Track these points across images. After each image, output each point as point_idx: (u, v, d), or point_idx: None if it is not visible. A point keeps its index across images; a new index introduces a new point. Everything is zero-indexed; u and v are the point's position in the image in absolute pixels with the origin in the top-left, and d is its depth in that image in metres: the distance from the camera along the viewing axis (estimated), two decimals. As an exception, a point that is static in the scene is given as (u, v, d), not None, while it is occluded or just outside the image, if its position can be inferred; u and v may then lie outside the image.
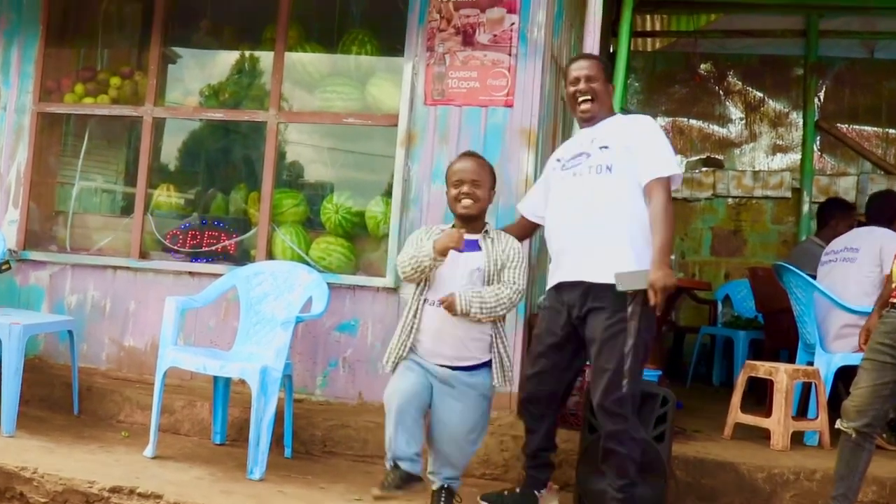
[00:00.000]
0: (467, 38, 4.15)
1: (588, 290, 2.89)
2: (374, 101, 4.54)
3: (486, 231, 3.06)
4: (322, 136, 5.06)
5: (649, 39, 7.68)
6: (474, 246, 3.00)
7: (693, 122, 7.48)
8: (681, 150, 7.43)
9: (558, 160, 3.13)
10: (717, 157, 7.35)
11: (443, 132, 4.18)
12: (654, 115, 7.41)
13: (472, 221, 3.04)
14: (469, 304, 2.88)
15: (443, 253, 2.87)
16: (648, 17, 7.45)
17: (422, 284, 2.98)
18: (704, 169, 7.33)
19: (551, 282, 3.07)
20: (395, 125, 4.25)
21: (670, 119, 7.53)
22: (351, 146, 5.07)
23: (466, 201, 3.00)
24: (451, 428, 2.87)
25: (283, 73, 4.53)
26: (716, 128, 7.55)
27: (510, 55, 4.09)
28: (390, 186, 4.29)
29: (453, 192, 3.04)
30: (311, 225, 4.65)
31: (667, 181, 2.89)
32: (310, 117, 4.64)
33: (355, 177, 5.07)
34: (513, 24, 4.09)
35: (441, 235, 2.94)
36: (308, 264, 4.34)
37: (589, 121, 3.05)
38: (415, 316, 2.97)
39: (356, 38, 4.64)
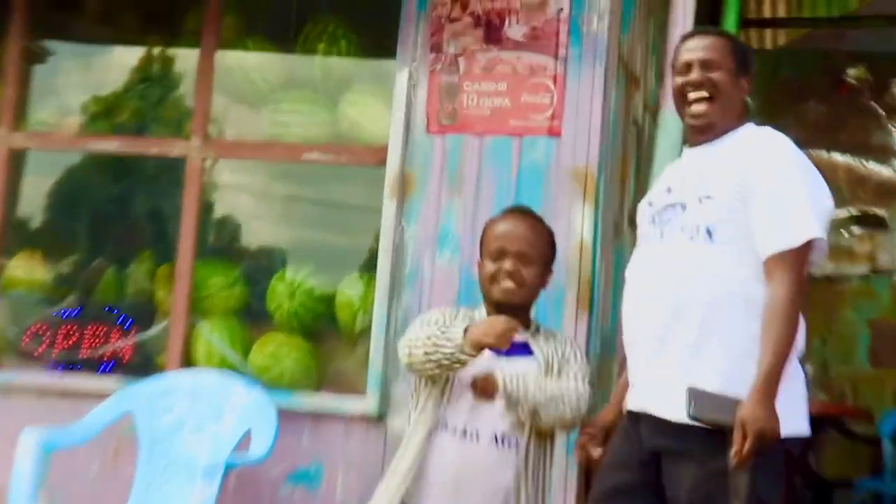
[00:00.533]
0: (492, 33, 4.21)
1: (662, 426, 2.82)
2: (352, 127, 4.58)
3: (538, 329, 3.17)
4: (272, 179, 5.10)
5: (769, 31, 7.76)
6: (522, 349, 3.08)
7: (837, 157, 7.53)
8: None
9: (650, 204, 3.12)
10: (876, 212, 7.38)
11: (454, 175, 4.20)
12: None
13: (514, 314, 3.09)
14: (519, 386, 2.97)
15: (478, 347, 2.92)
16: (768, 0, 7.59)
17: (432, 399, 3.03)
18: (858, 231, 7.33)
19: (628, 398, 3.02)
20: (383, 164, 4.27)
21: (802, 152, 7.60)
22: (315, 195, 5.09)
23: (508, 283, 3.11)
24: None
25: (212, 82, 4.58)
26: (875, 166, 7.58)
27: (556, 58, 4.14)
28: (375, 256, 4.29)
29: (490, 267, 3.15)
30: (253, 316, 4.65)
31: (798, 255, 2.77)
32: (253, 151, 4.68)
33: (321, 242, 5.07)
34: (561, 10, 4.16)
35: (479, 322, 3.03)
36: (246, 377, 4.32)
37: (703, 132, 3.01)
38: (418, 454, 2.97)
39: (325, 32, 4.70)
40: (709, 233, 2.83)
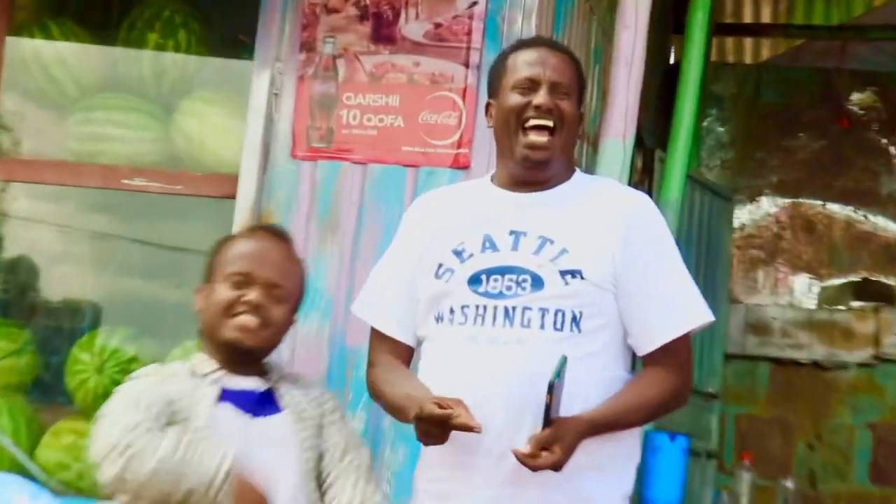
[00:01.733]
0: (383, 29, 4.27)
1: None
2: (191, 146, 4.62)
3: (281, 376, 3.25)
4: (81, 211, 5.11)
5: (749, 41, 7.98)
6: (267, 403, 3.16)
7: (834, 208, 7.73)
8: (809, 263, 7.61)
9: (458, 253, 3.13)
10: (882, 280, 7.57)
11: (327, 213, 4.25)
12: (756, 193, 7.62)
13: (247, 362, 3.18)
14: None
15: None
16: (748, -1, 7.83)
17: None
18: (858, 305, 7.52)
19: None
20: (233, 196, 4.32)
21: (788, 201, 7.74)
22: (140, 233, 5.10)
23: (249, 319, 3.12)
24: None
25: None
26: (882, 221, 7.76)
27: (467, 65, 4.21)
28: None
29: (225, 294, 3.16)
30: (46, 395, 4.64)
31: (688, 342, 3.13)
32: (55, 173, 4.67)
33: (147, 295, 5.10)
34: (474, 2, 4.23)
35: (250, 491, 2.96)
36: (33, 479, 4.28)
37: (538, 169, 3.11)
38: None
39: (158, 18, 4.74)
40: (576, 321, 3.00)
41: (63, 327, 4.95)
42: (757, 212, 7.82)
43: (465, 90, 4.20)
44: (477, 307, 3.02)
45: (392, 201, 4.22)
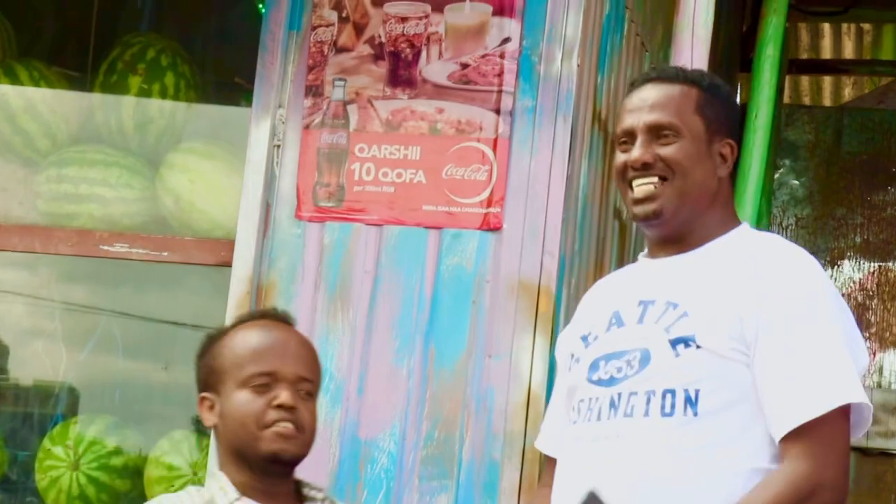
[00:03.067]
0: (401, 70, 4.31)
1: None
2: (180, 209, 4.66)
3: (307, 486, 3.18)
4: (55, 281, 5.17)
5: (828, 80, 8.03)
6: None
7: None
8: (889, 341, 7.62)
9: (586, 339, 3.15)
10: None
11: (336, 283, 4.28)
12: (838, 256, 7.61)
13: (288, 472, 3.13)
14: None
15: None
16: (828, 26, 7.85)
17: None
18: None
19: None
20: (229, 264, 4.34)
21: (876, 265, 7.75)
22: (123, 307, 5.17)
23: (287, 427, 3.03)
24: None
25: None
26: None
27: (498, 112, 4.24)
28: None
29: (253, 402, 3.05)
30: (12, 495, 4.68)
31: (830, 427, 2.89)
32: (21, 238, 4.68)
33: (130, 378, 5.14)
34: (507, 39, 4.27)
35: None
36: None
37: (654, 225, 3.11)
38: None
39: (142, 59, 4.79)
40: (691, 402, 2.90)
41: (33, 415, 4.97)
42: (839, 277, 7.79)
43: (496, 141, 4.23)
44: (590, 400, 3.00)
45: (412, 268, 4.25)
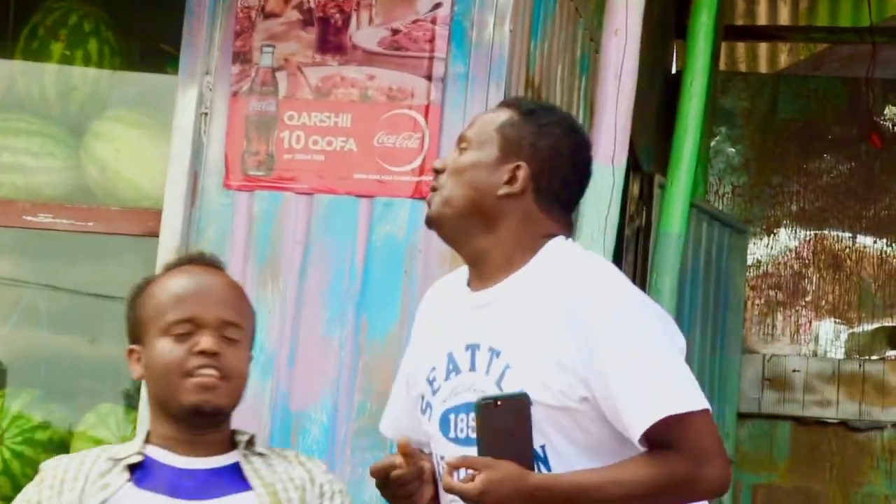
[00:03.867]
0: (331, 36, 4.31)
1: None
2: (105, 179, 4.66)
3: (251, 442, 3.11)
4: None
5: (764, 46, 8.06)
6: (230, 479, 3.02)
7: (865, 241, 7.84)
8: (836, 306, 7.69)
9: (430, 381, 3.12)
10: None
11: (266, 253, 4.30)
12: (774, 224, 7.66)
13: (214, 425, 3.05)
14: None
15: None
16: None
17: None
18: (893, 355, 7.60)
19: None
20: (156, 234, 4.35)
21: (811, 233, 7.81)
22: (48, 279, 5.16)
23: (209, 373, 2.96)
24: None
25: None
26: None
27: (430, 78, 4.26)
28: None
29: (174, 350, 2.97)
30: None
31: (688, 424, 2.88)
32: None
33: (55, 351, 5.14)
34: (438, 4, 4.27)
35: None
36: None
37: (436, 231, 3.11)
38: None
39: (64, 25, 4.77)
40: (541, 458, 2.89)
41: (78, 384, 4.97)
42: (775, 246, 7.85)
43: (427, 107, 4.25)
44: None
45: (343, 237, 4.28)
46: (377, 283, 4.22)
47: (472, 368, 2.97)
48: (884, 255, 7.79)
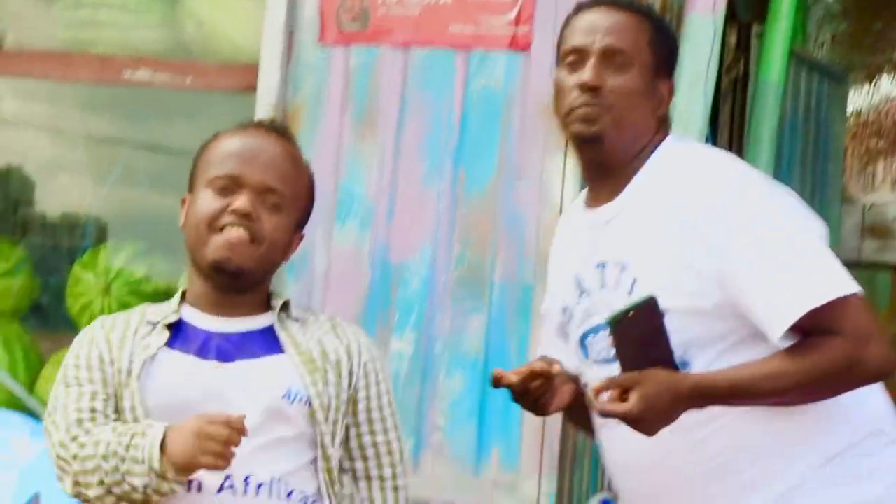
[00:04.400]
0: None
1: None
2: (202, 35, 4.69)
3: (286, 306, 3.12)
4: (79, 109, 5.23)
5: None
6: (262, 342, 3.04)
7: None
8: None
9: (566, 312, 3.16)
10: None
11: (363, 107, 4.33)
12: (875, 70, 7.60)
13: (242, 286, 3.06)
14: None
15: (189, 471, 2.83)
16: None
17: None
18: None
19: None
20: (253, 90, 4.39)
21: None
22: (147, 136, 5.25)
23: (238, 233, 2.96)
24: None
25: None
26: None
27: (526, -70, 4.24)
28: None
29: (211, 204, 2.98)
30: (45, 321, 4.83)
31: (842, 307, 2.82)
32: (42, 65, 4.74)
33: (156, 208, 5.22)
34: None
35: (184, 427, 2.83)
36: (33, 416, 4.41)
37: (593, 150, 3.05)
38: None
39: None
40: (686, 366, 2.89)
41: (62, 245, 5.08)
42: (876, 94, 7.79)
43: (522, -38, 4.24)
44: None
45: (440, 90, 4.30)
46: (474, 136, 4.25)
47: (603, 287, 2.98)
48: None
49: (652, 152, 3.01)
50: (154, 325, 2.98)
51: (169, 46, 4.70)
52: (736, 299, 2.84)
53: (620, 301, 2.86)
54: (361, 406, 3.01)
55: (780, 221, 2.88)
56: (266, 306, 3.04)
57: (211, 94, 4.65)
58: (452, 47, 4.28)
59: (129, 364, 2.90)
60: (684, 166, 2.98)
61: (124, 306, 4.60)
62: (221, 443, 2.73)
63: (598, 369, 2.97)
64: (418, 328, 4.12)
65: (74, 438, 2.85)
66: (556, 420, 4.08)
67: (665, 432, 2.81)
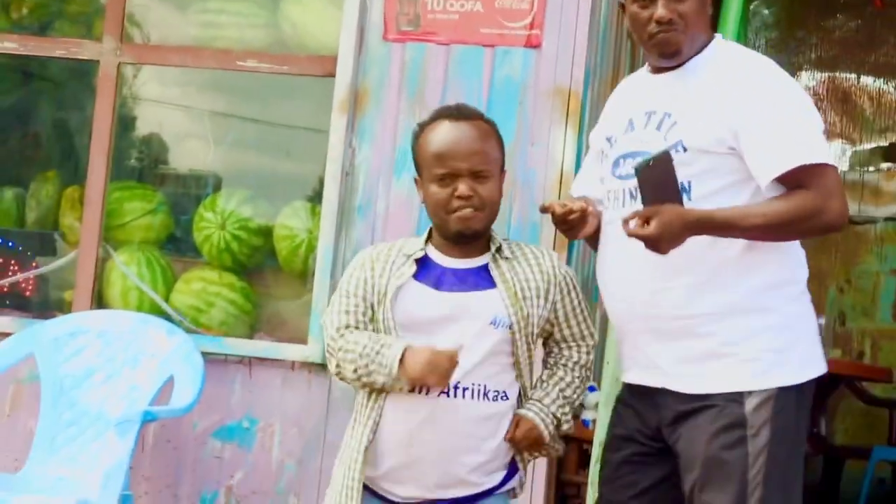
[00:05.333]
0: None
1: (680, 397, 2.93)
2: (295, 33, 4.62)
3: (500, 249, 3.06)
4: (201, 90, 5.15)
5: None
6: (480, 278, 3.01)
7: (867, 80, 7.56)
8: (843, 130, 7.50)
9: (609, 141, 3.13)
10: (909, 142, 7.46)
11: (415, 90, 4.26)
12: (797, 68, 7.50)
13: (476, 239, 3.05)
14: (559, 422, 3.02)
15: (416, 384, 2.89)
16: None
17: None
18: (886, 166, 7.40)
19: (625, 376, 3.13)
20: (332, 75, 4.32)
21: (825, 74, 7.64)
22: (252, 111, 5.14)
23: (467, 212, 2.97)
24: None
25: (131, -25, 4.61)
26: (910, 92, 7.69)
27: (537, -42, 4.20)
28: (321, 183, 4.34)
29: (440, 192, 2.98)
30: (178, 248, 4.74)
31: (821, 171, 2.84)
32: (178, 56, 4.67)
33: (259, 164, 5.15)
34: None
35: (419, 351, 2.89)
36: (168, 319, 4.38)
37: (670, 58, 3.03)
38: (370, 416, 2.97)
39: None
40: (685, 191, 2.89)
41: (190, 192, 5.03)
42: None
43: (535, -22, 4.21)
44: (615, 191, 3.01)
45: (472, 78, 4.25)
46: (498, 112, 4.07)
47: (646, 126, 2.97)
48: (881, 92, 7.66)
49: (704, 43, 2.99)
50: (407, 257, 3.00)
51: (270, 42, 4.65)
52: (743, 148, 2.85)
53: (658, 138, 2.91)
54: (560, 312, 3.03)
55: (791, 102, 2.90)
56: (486, 247, 3.02)
57: (301, 79, 4.58)
58: (482, 45, 4.24)
59: (384, 288, 2.96)
60: (730, 55, 3.00)
61: (236, 238, 4.63)
62: (444, 371, 2.83)
63: (619, 183, 3.00)
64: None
65: (342, 335, 2.95)
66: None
67: (654, 265, 2.86)
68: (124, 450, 3.65)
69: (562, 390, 3.03)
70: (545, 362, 3.09)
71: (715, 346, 2.88)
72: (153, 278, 4.60)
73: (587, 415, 4.20)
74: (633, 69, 4.70)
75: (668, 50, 2.98)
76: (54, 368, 4.11)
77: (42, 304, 4.69)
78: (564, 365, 3.07)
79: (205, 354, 4.08)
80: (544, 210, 3.04)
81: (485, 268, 2.99)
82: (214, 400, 4.20)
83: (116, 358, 4.10)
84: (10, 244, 4.83)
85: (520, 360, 2.98)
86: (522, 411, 2.98)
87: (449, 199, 2.94)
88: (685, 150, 2.87)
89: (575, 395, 3.07)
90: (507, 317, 2.94)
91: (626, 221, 2.82)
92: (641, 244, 2.83)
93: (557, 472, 4.17)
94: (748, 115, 2.87)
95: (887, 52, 7.60)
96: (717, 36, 3.06)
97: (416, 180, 3.04)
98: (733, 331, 2.88)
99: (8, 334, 4.24)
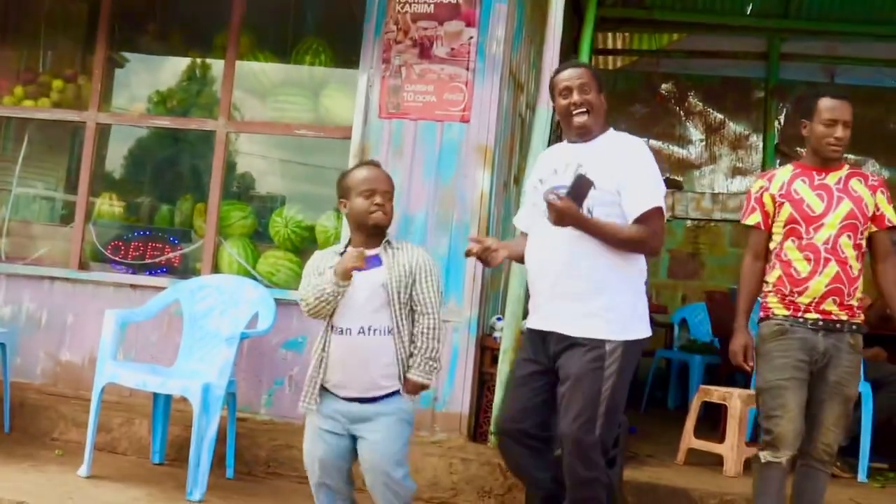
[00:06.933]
0: (424, 51, 4.21)
1: (564, 338, 2.89)
2: (328, 113, 4.60)
3: (388, 242, 2.94)
4: (273, 147, 5.12)
5: (610, 58, 7.86)
6: (376, 261, 2.89)
7: (653, 142, 7.64)
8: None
9: (541, 181, 3.00)
10: (676, 178, 7.50)
11: (397, 146, 4.24)
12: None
13: (380, 236, 2.95)
14: (428, 373, 2.88)
15: (346, 276, 2.79)
16: (610, 35, 7.65)
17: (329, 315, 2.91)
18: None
19: (529, 321, 3.01)
20: (349, 138, 4.30)
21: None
22: (302, 158, 5.12)
23: (380, 214, 2.90)
24: (376, 465, 2.84)
25: (233, 81, 4.57)
26: (676, 148, 7.77)
27: (468, 69, 4.15)
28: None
29: (365, 202, 2.90)
30: (260, 238, 4.68)
31: (655, 215, 2.81)
32: (260, 127, 4.68)
33: (306, 190, 5.13)
34: (471, 38, 4.15)
35: (341, 258, 2.84)
36: (255, 279, 4.36)
37: (584, 136, 2.93)
38: (324, 348, 2.89)
39: (310, 48, 4.69)
40: (589, 212, 2.84)
41: (266, 206, 4.99)
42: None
43: (467, 82, 4.17)
44: (543, 209, 2.86)
45: (430, 141, 4.20)
46: (446, 160, 4.17)
47: (565, 171, 2.89)
48: (661, 148, 7.75)
49: (604, 130, 2.93)
50: (336, 253, 2.95)
51: (313, 118, 4.60)
52: (622, 195, 2.82)
53: (570, 175, 2.81)
54: (418, 286, 2.90)
55: (650, 171, 2.86)
56: (380, 242, 2.95)
57: (330, 140, 4.50)
58: (436, 120, 4.19)
59: (324, 269, 2.89)
60: (619, 138, 2.93)
61: (294, 233, 4.61)
62: (358, 255, 2.79)
63: (543, 204, 2.84)
64: (420, 242, 4.04)
65: (306, 292, 2.86)
66: (479, 281, 4.04)
67: (566, 255, 2.81)
68: (230, 354, 3.66)
69: (423, 354, 2.88)
70: (412, 334, 2.89)
71: (594, 310, 2.83)
72: (247, 256, 4.59)
73: (497, 334, 4.16)
74: (523, 137, 4.76)
75: (583, 130, 2.92)
76: (191, 307, 4.12)
77: (184, 270, 4.67)
78: (422, 333, 2.88)
79: (276, 300, 4.08)
80: (468, 254, 2.93)
81: (378, 255, 2.92)
82: (281, 326, 4.20)
83: (226, 301, 4.10)
84: (166, 236, 4.81)
85: (395, 311, 2.87)
86: (409, 375, 2.86)
87: (370, 206, 2.89)
88: (594, 188, 2.80)
89: (434, 353, 2.89)
90: (388, 283, 2.86)
91: (550, 192, 2.78)
92: (560, 238, 2.80)
93: (479, 367, 4.13)
94: (625, 176, 2.83)
95: (663, 126, 7.80)
96: (611, 128, 2.98)
97: (341, 203, 2.96)
98: (605, 301, 2.83)
99: (164, 288, 4.24)
